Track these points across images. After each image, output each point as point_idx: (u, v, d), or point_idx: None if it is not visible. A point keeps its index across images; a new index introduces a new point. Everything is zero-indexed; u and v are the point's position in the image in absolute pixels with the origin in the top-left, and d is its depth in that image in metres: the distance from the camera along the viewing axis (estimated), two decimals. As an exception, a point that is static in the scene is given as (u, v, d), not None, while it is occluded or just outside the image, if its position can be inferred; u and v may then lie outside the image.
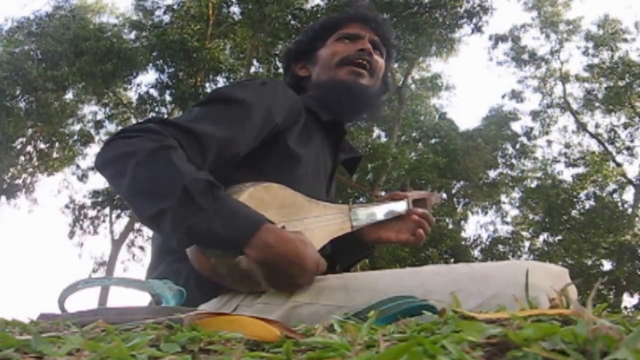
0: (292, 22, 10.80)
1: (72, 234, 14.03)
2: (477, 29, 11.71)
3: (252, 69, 11.93)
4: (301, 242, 0.87)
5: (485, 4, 11.21)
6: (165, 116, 12.92)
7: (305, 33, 1.37)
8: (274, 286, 0.89)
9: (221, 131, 0.97)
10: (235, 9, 12.17)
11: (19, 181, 13.89)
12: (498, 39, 15.24)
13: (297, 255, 0.85)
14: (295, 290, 0.92)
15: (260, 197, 0.94)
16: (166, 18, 12.79)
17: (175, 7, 12.66)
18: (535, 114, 15.95)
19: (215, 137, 0.96)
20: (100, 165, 0.93)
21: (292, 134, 1.10)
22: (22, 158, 13.88)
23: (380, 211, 1.25)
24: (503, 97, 16.08)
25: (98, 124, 14.15)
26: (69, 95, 13.53)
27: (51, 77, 11.65)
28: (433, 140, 14.94)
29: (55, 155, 14.21)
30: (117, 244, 13.26)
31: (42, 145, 14.12)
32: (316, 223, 1.01)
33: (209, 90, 11.86)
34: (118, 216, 13.48)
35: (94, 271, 13.16)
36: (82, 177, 14.22)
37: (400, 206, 1.30)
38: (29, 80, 11.62)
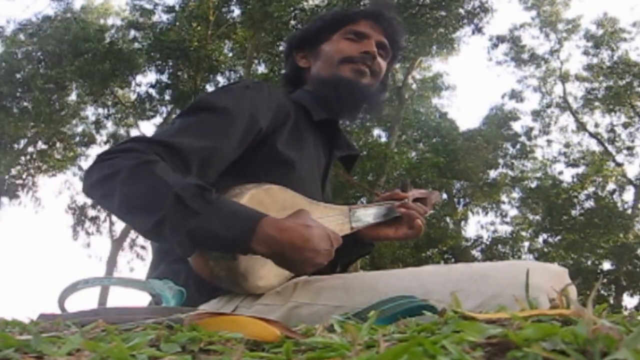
0: (293, 21, 10.78)
1: (75, 235, 14.07)
2: (478, 29, 11.70)
3: (253, 69, 11.92)
4: (304, 226, 0.87)
5: (486, 4, 11.21)
6: (165, 115, 12.97)
7: (314, 22, 1.34)
8: (294, 272, 0.91)
9: (202, 142, 0.97)
10: (236, 10, 12.17)
11: (21, 181, 13.89)
12: (498, 39, 15.24)
13: (302, 239, 0.85)
14: (297, 289, 0.92)
15: (261, 199, 0.94)
16: (166, 18, 12.79)
17: (176, 7, 12.66)
18: (535, 114, 15.95)
19: (196, 149, 0.95)
20: (88, 189, 0.94)
21: (281, 136, 1.09)
22: (23, 158, 13.89)
23: (379, 212, 1.25)
24: (503, 97, 16.08)
25: (97, 124, 14.15)
26: (71, 97, 13.56)
27: (51, 77, 11.66)
28: (434, 140, 14.94)
29: (57, 156, 14.22)
30: (117, 244, 13.27)
31: (44, 146, 14.13)
32: None
33: (209, 89, 11.87)
34: (119, 217, 13.44)
35: (106, 272, 13.13)
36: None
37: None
38: (29, 81, 11.63)
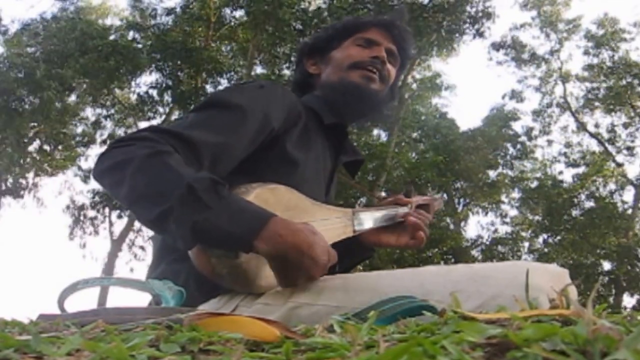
0: (294, 23, 10.78)
1: (72, 235, 14.06)
2: (479, 34, 11.71)
3: (253, 71, 11.93)
4: (310, 232, 0.87)
5: (489, 9, 11.21)
6: (164, 116, 12.97)
7: (325, 30, 1.36)
8: (286, 281, 0.90)
9: (215, 137, 0.97)
10: (239, 11, 12.19)
11: (23, 181, 13.91)
12: (500, 46, 15.26)
13: (308, 245, 0.85)
14: (297, 289, 0.92)
15: (266, 198, 0.94)
16: (169, 20, 12.82)
17: (177, 9, 12.69)
18: (535, 114, 15.96)
19: (209, 144, 0.96)
20: (98, 175, 0.94)
21: (291, 137, 1.10)
22: (23, 158, 13.89)
23: (383, 216, 1.25)
24: (503, 97, 16.08)
25: (97, 124, 14.16)
26: (71, 98, 13.57)
27: (57, 76, 11.69)
28: (434, 140, 14.94)
29: (57, 156, 14.23)
30: (116, 244, 13.27)
31: (44, 146, 14.14)
32: (319, 226, 1.01)
33: (210, 90, 11.88)
34: (119, 216, 13.48)
35: (103, 272, 13.14)
36: (85, 179, 14.23)
37: (403, 211, 1.30)
38: (36, 81, 11.64)
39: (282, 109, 1.09)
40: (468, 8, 11.16)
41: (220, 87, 11.22)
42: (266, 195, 0.94)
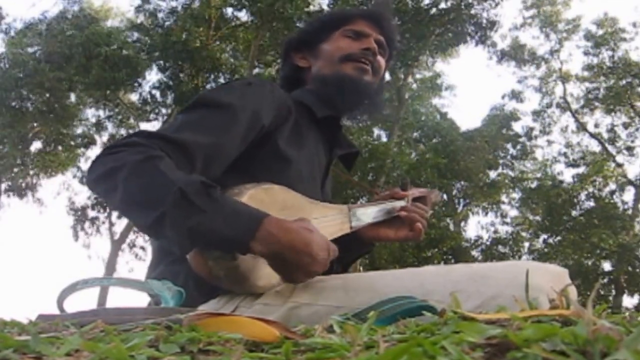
0: (299, 23, 10.81)
1: (76, 236, 14.10)
2: (482, 41, 11.73)
3: (255, 70, 11.94)
4: (306, 230, 0.86)
5: (494, 18, 11.24)
6: (166, 117, 12.98)
7: (311, 24, 1.35)
8: (287, 278, 0.89)
9: (206, 138, 0.97)
10: (243, 11, 12.20)
11: (22, 181, 13.91)
12: (502, 54, 15.28)
13: (304, 243, 0.84)
14: (297, 289, 0.92)
15: (261, 198, 0.93)
16: (170, 20, 12.82)
17: (178, 9, 12.69)
18: (535, 114, 15.96)
19: (200, 145, 0.95)
20: (91, 183, 0.93)
21: (282, 133, 1.09)
22: (21, 159, 13.90)
23: (379, 210, 1.25)
24: (503, 97, 16.08)
25: (98, 125, 14.17)
26: (71, 99, 13.56)
27: (65, 79, 11.70)
28: (434, 140, 14.94)
29: (57, 156, 14.23)
30: (117, 244, 13.28)
31: (44, 146, 14.14)
32: (316, 224, 1.01)
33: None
34: (119, 217, 13.49)
35: (104, 272, 13.15)
36: (83, 180, 14.22)
37: (399, 204, 1.29)
38: (40, 81, 11.63)
39: (271, 106, 1.08)
40: (475, 17, 11.20)
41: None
42: (260, 196, 0.93)
